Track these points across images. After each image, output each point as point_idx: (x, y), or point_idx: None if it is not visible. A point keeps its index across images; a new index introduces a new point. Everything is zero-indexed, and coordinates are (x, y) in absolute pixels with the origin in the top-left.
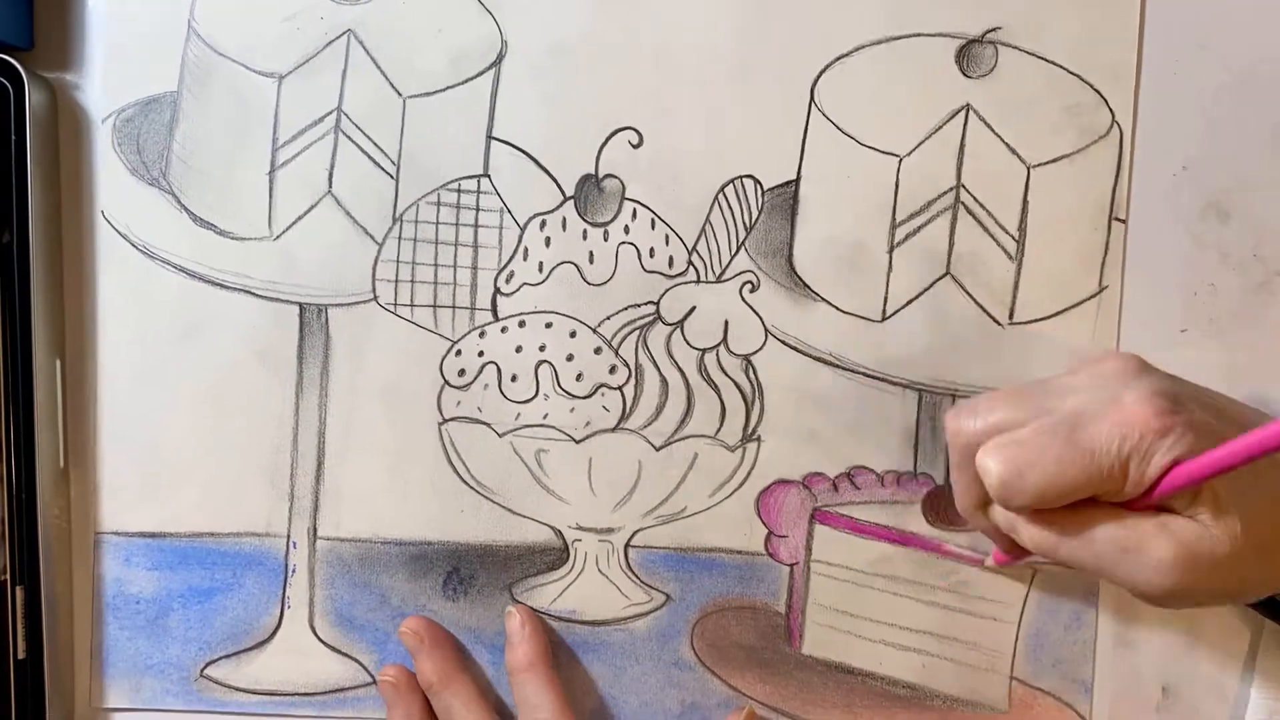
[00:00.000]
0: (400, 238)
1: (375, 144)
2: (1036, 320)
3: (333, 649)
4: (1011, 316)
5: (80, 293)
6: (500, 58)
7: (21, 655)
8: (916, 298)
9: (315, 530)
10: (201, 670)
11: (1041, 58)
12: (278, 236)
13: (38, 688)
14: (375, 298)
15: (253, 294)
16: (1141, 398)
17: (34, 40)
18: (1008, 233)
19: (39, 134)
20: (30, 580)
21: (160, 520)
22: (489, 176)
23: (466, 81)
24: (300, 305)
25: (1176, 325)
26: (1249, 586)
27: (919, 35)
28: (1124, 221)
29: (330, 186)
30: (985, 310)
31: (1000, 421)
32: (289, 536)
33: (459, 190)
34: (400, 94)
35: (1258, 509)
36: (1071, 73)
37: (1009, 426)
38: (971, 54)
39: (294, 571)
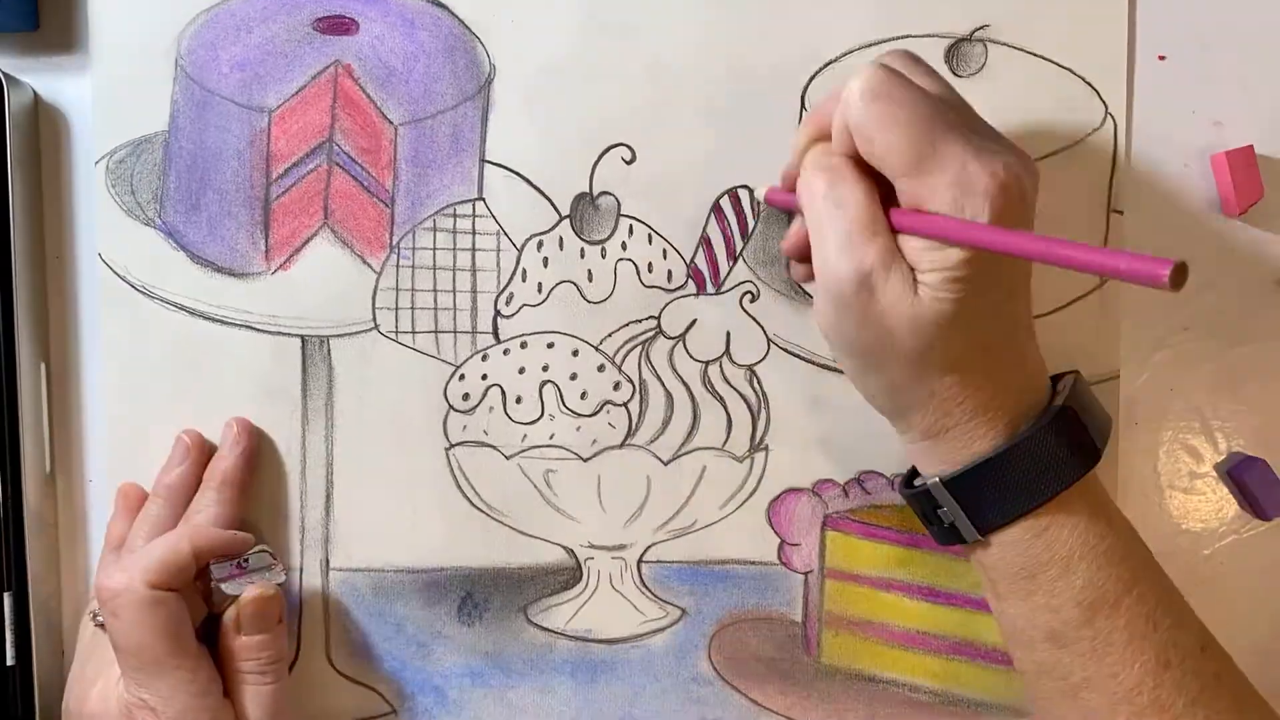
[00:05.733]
0: (398, 265)
1: (369, 173)
2: (1038, 316)
3: (351, 680)
4: None
5: (64, 296)
6: (489, 80)
7: (10, 662)
8: None
9: (328, 562)
10: None
11: (1031, 53)
12: (276, 270)
13: (27, 694)
14: (376, 326)
15: (254, 329)
16: (996, 161)
17: (39, 22)
18: None
19: (20, 137)
20: (19, 586)
21: None
22: (484, 200)
23: (456, 106)
24: (302, 338)
25: (1179, 323)
26: (888, 380)
27: (907, 36)
28: (1122, 213)
29: (326, 217)
30: None
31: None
32: (301, 569)
33: (454, 215)
34: (391, 121)
35: (972, 333)
36: (1062, 66)
37: None
38: (961, 53)
39: (308, 604)
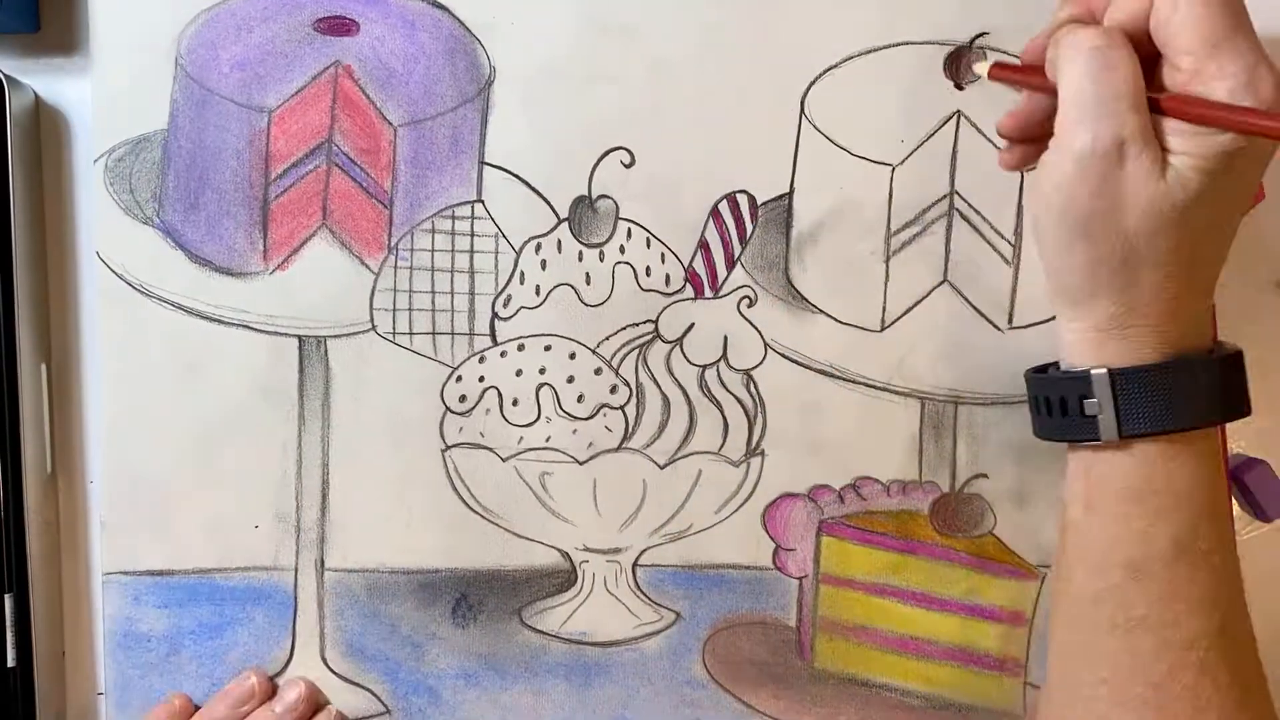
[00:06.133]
0: (396, 266)
1: (368, 174)
2: (1036, 324)
3: (345, 680)
4: (1011, 321)
5: (65, 297)
6: (489, 82)
7: (11, 663)
8: (915, 306)
9: (323, 562)
10: None
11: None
12: (274, 270)
13: (28, 696)
14: (374, 327)
15: (251, 329)
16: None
17: (39, 24)
18: (1004, 237)
19: (21, 139)
20: (20, 587)
21: (167, 558)
22: (482, 202)
23: (456, 108)
24: (299, 338)
25: None
26: (1095, 255)
27: (907, 43)
28: None
29: (325, 218)
30: (984, 316)
31: None
32: (296, 569)
33: (453, 217)
34: (391, 123)
35: (1195, 234)
36: None
37: None
38: (960, 60)
39: (303, 604)
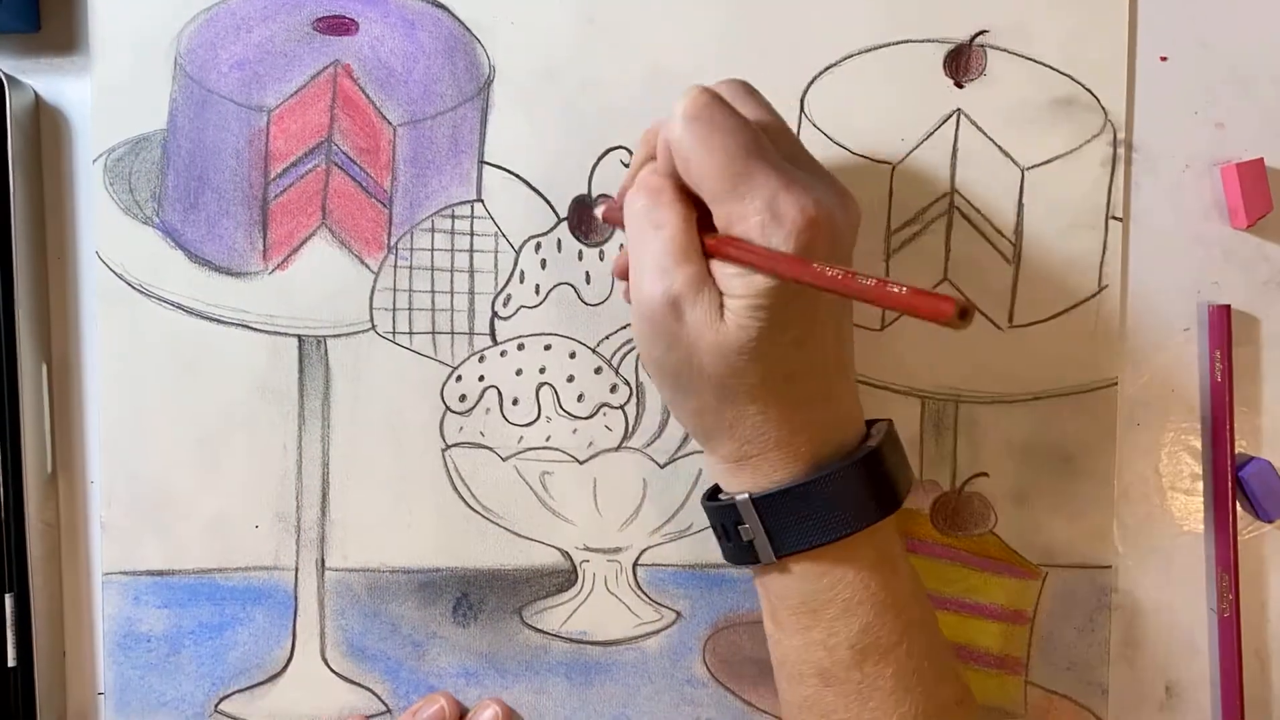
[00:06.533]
0: (396, 266)
1: (367, 173)
2: (1036, 322)
3: (346, 679)
4: (1011, 319)
5: (65, 297)
6: (489, 82)
7: (12, 663)
8: None
9: (323, 562)
10: (216, 705)
11: (1030, 59)
12: (274, 270)
13: (28, 696)
14: (374, 327)
15: (251, 328)
16: (808, 196)
17: (40, 23)
18: (1004, 236)
19: (21, 138)
20: (20, 587)
21: (167, 558)
22: (482, 201)
23: (455, 107)
24: (299, 337)
25: (1180, 324)
26: (696, 404)
27: (907, 41)
28: (1121, 220)
29: (324, 217)
30: (984, 314)
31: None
32: (297, 569)
33: (453, 216)
34: (390, 122)
35: (774, 363)
36: (1061, 72)
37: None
38: (960, 59)
39: (303, 604)
